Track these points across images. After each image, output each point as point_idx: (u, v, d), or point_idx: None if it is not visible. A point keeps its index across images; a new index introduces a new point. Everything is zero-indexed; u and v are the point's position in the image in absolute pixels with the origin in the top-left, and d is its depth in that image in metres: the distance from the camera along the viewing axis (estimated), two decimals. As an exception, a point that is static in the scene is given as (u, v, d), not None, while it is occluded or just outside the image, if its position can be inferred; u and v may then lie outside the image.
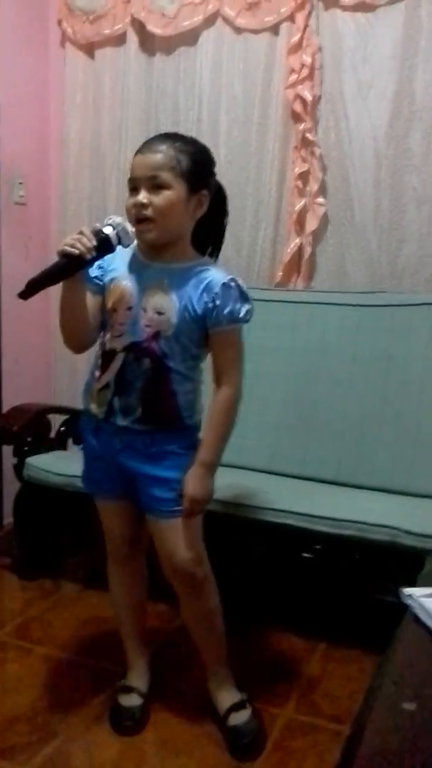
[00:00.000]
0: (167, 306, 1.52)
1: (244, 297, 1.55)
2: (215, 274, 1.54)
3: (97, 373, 1.59)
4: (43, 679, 1.88)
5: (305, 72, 2.52)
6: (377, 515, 1.88)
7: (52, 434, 2.62)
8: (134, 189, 1.51)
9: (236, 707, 1.67)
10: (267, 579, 2.17)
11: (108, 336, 1.57)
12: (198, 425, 1.61)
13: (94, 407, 1.60)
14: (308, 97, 2.52)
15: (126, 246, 1.51)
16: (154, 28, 2.74)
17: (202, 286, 1.52)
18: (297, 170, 2.58)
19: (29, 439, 2.45)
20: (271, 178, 2.63)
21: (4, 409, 2.69)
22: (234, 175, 2.69)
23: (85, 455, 1.71)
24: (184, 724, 1.71)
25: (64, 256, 1.45)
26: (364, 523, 1.87)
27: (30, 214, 3.01)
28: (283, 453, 2.36)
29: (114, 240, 1.48)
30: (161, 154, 1.49)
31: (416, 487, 2.18)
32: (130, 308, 1.53)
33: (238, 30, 2.64)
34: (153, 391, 1.54)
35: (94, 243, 1.44)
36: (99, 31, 2.86)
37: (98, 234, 1.46)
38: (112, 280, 1.57)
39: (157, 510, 1.60)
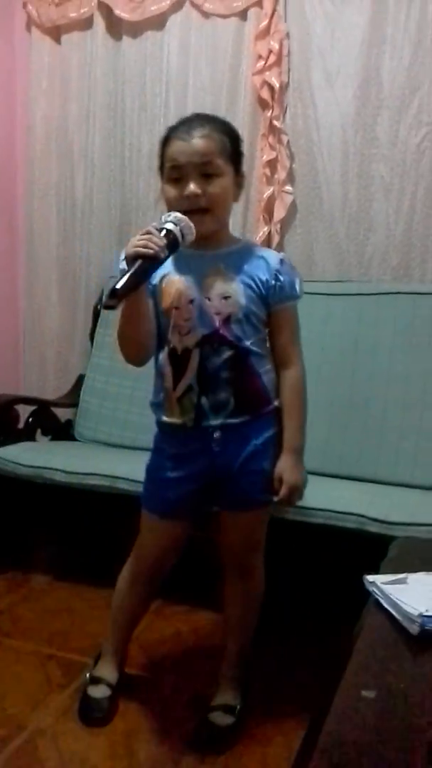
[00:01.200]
0: (232, 289, 1.48)
1: (296, 273, 1.56)
2: (267, 252, 1.55)
3: (170, 382, 1.51)
4: (11, 672, 1.87)
5: (273, 58, 2.51)
6: (344, 503, 1.89)
7: (21, 425, 2.60)
8: (179, 179, 1.43)
9: (225, 708, 1.66)
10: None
11: (175, 337, 1.50)
12: (280, 405, 1.56)
13: (176, 418, 1.53)
14: (275, 83, 2.51)
15: (188, 242, 1.41)
16: (122, 12, 2.71)
17: (260, 265, 1.51)
18: (265, 158, 2.57)
19: (-4, 430, 2.43)
20: (240, 166, 2.62)
21: (-29, 400, 2.65)
22: (202, 163, 2.67)
23: (156, 476, 1.61)
24: (152, 714, 1.72)
25: (139, 257, 1.32)
26: (331, 511, 1.88)
27: (-4, 202, 2.97)
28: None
29: (179, 237, 1.38)
30: (208, 139, 1.42)
31: (383, 475, 2.21)
32: (191, 301, 1.48)
33: (206, 14, 2.62)
34: (240, 378, 1.50)
35: (165, 241, 1.34)
36: (65, 14, 2.81)
37: (164, 232, 1.36)
38: (162, 279, 1.50)
39: (246, 503, 1.57)
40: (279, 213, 2.57)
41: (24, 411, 2.65)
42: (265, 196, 2.59)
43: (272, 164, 2.58)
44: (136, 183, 2.82)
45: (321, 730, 0.79)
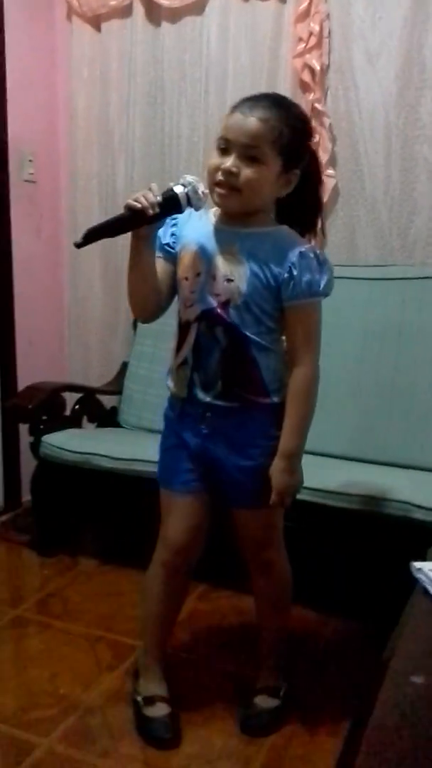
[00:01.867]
0: (237, 273, 1.42)
1: (322, 267, 1.43)
2: (290, 241, 1.44)
3: (175, 350, 1.52)
4: (62, 654, 1.92)
5: (313, 41, 2.47)
6: (389, 490, 1.89)
7: (67, 412, 2.65)
8: (224, 150, 1.39)
9: (269, 691, 1.67)
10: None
11: (182, 307, 1.50)
12: (284, 402, 1.48)
13: (174, 387, 1.53)
14: (316, 66, 2.48)
15: (198, 209, 1.41)
16: (160, -2, 2.70)
17: (277, 255, 1.42)
18: (307, 142, 2.55)
19: (44, 417, 2.47)
20: (281, 151, 2.60)
21: (19, 389, 2.71)
22: (243, 149, 2.67)
23: (164, 445, 1.61)
24: (199, 696, 1.75)
25: (127, 209, 1.36)
26: (376, 498, 1.87)
27: (40, 192, 3.00)
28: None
29: (183, 200, 1.37)
30: (264, 123, 1.36)
31: (427, 462, 2.18)
32: (198, 274, 1.45)
33: (245, -2, 2.60)
34: (231, 362, 1.45)
35: (159, 200, 1.35)
36: (105, 2, 2.81)
37: (167, 192, 1.37)
38: (183, 247, 1.48)
39: (242, 501, 1.54)
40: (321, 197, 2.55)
41: (70, 398, 2.69)
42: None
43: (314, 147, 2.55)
44: (176, 170, 2.81)
45: (369, 716, 0.80)
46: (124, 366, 2.87)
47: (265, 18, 2.57)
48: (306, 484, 1.95)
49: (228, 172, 1.37)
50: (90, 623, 2.07)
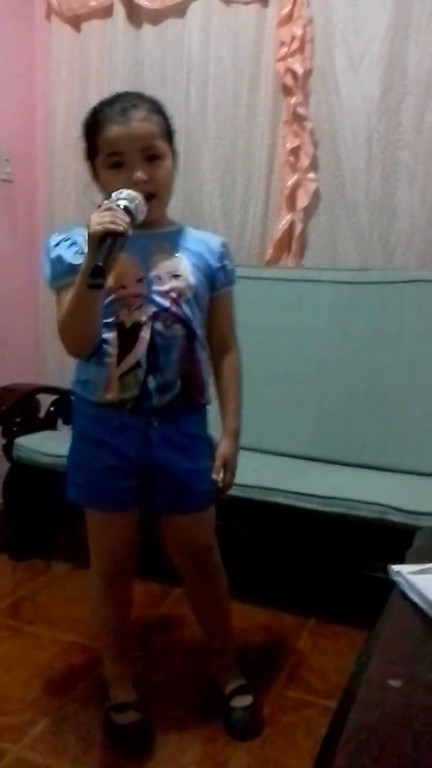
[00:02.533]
0: (181, 267, 1.43)
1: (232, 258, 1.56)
2: (207, 235, 1.53)
3: (113, 357, 1.39)
4: (34, 659, 1.88)
5: (296, 45, 2.47)
6: (366, 492, 1.88)
7: (42, 414, 2.61)
8: (118, 164, 1.36)
9: (240, 691, 1.67)
10: (256, 557, 2.18)
11: (123, 312, 1.39)
12: (206, 404, 1.53)
13: (114, 396, 1.40)
14: (299, 70, 2.48)
15: (138, 222, 1.31)
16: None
17: (203, 248, 1.48)
18: (289, 145, 2.54)
19: (18, 419, 2.44)
20: (261, 154, 2.60)
21: (-7, 390, 2.67)
22: (223, 151, 2.67)
23: (87, 465, 1.50)
24: (173, 700, 1.72)
25: (109, 234, 1.22)
26: (354, 501, 1.87)
27: (16, 192, 2.97)
28: (272, 431, 2.35)
29: (135, 214, 1.30)
30: (148, 122, 1.36)
31: (406, 465, 2.19)
32: (140, 279, 1.40)
33: (227, 1, 2.59)
34: (187, 360, 1.44)
35: (129, 218, 1.27)
36: (85, 3, 2.80)
37: (125, 210, 1.28)
38: None
39: (191, 504, 1.51)
40: (302, 201, 2.55)
41: (45, 400, 2.65)
42: (288, 184, 2.56)
43: (295, 152, 2.55)
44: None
45: (345, 719, 0.78)
46: (101, 368, 2.83)
47: (247, 21, 2.58)
48: (283, 487, 1.96)
49: (143, 182, 1.35)
50: (62, 628, 2.04)
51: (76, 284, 1.30)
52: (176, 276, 1.42)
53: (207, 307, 1.51)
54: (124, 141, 1.35)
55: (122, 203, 1.29)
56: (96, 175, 1.45)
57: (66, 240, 1.41)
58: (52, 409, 2.66)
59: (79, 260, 1.33)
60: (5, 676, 1.81)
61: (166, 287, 1.41)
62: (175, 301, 1.42)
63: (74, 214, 2.97)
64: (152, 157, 1.37)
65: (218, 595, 1.65)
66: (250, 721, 1.63)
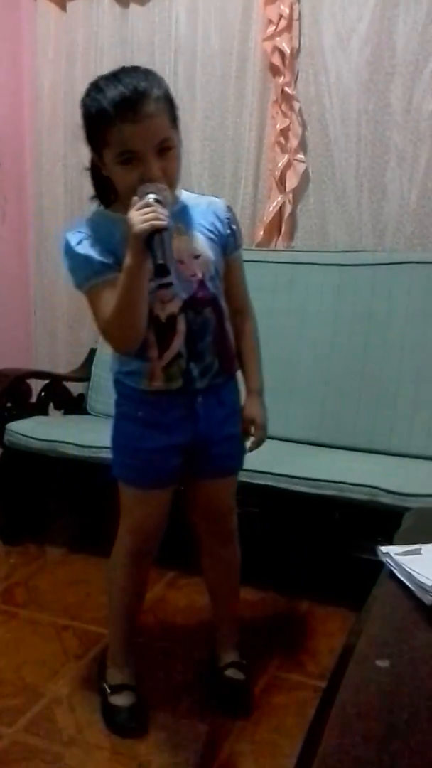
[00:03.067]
0: (198, 246, 1.43)
1: None
2: (211, 200, 1.51)
3: (153, 351, 1.42)
4: (28, 642, 1.90)
5: (283, 23, 2.45)
6: (357, 475, 1.89)
7: (33, 399, 2.61)
8: (129, 161, 1.31)
9: (236, 665, 1.69)
10: (248, 539, 2.19)
11: (157, 305, 1.40)
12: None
13: (160, 385, 1.45)
14: (286, 49, 2.46)
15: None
16: (128, -22, 2.65)
17: (210, 213, 1.47)
18: (278, 126, 2.53)
19: (9, 404, 2.44)
20: (250, 134, 2.58)
21: (-16, 375, 2.66)
22: (212, 132, 2.65)
23: (137, 446, 1.51)
24: (169, 683, 1.74)
25: (156, 231, 1.24)
26: (344, 483, 1.87)
27: (4, 174, 2.95)
28: (264, 414, 2.36)
29: (166, 207, 1.30)
30: (160, 117, 1.30)
31: (396, 447, 2.20)
32: None
33: (214, -21, 2.56)
34: (220, 339, 1.48)
35: (166, 211, 1.27)
36: (70, -18, 2.76)
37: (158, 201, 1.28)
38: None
39: (227, 468, 1.59)
40: (291, 182, 2.54)
41: (36, 385, 2.65)
42: (279, 165, 2.54)
43: (285, 132, 2.53)
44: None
45: (334, 699, 0.79)
46: (92, 352, 2.83)
47: (234, 0, 2.54)
48: (274, 469, 1.97)
49: (158, 178, 1.32)
50: (57, 612, 2.05)
51: (122, 283, 1.30)
52: (197, 257, 1.43)
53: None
54: (139, 140, 1.29)
55: (152, 197, 1.27)
56: (98, 165, 1.40)
57: (87, 238, 1.38)
58: (43, 394, 2.66)
59: (110, 258, 1.35)
60: (0, 659, 1.81)
61: (191, 271, 1.42)
62: (201, 283, 1.43)
63: (63, 196, 2.96)
64: (164, 150, 1.32)
65: (232, 559, 1.69)
66: (242, 694, 1.65)
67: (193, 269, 1.42)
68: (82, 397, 2.80)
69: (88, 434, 2.27)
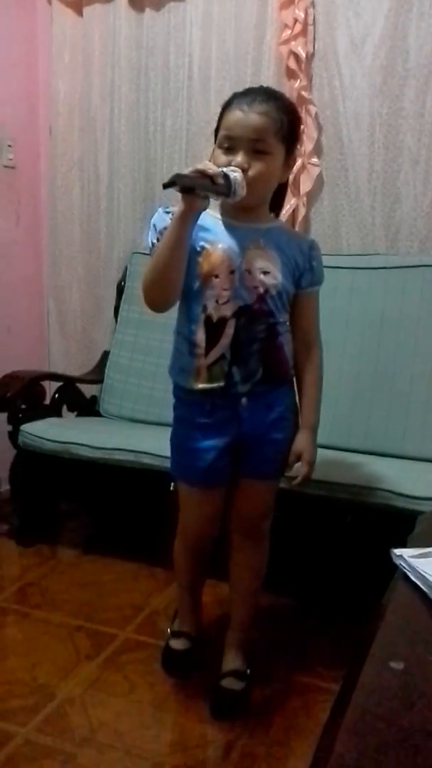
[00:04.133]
0: (271, 265, 1.50)
1: (321, 259, 1.61)
2: (298, 234, 1.62)
3: (201, 349, 1.50)
4: (41, 643, 1.91)
5: (298, 27, 2.46)
6: (369, 478, 1.89)
7: (47, 401, 2.62)
8: (230, 148, 1.43)
9: (236, 674, 1.69)
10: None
11: (211, 304, 1.48)
12: (294, 375, 1.62)
13: (204, 384, 1.52)
14: (302, 53, 2.46)
15: (235, 199, 1.39)
16: (143, -18, 2.67)
17: (295, 246, 1.54)
18: (293, 129, 2.53)
19: (23, 406, 2.45)
20: (265, 139, 2.58)
21: (-2, 377, 2.68)
22: (226, 136, 2.65)
23: (194, 445, 1.57)
24: (180, 684, 1.75)
25: (199, 173, 1.33)
26: (357, 486, 1.87)
27: (19, 178, 2.97)
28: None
29: (233, 185, 1.37)
30: (267, 117, 1.41)
31: (408, 450, 2.20)
32: (232, 271, 1.47)
33: (229, -16, 2.58)
34: (269, 351, 1.53)
35: (223, 173, 1.36)
36: (87, -13, 2.78)
37: (223, 174, 1.37)
38: (203, 245, 1.47)
39: (265, 471, 1.61)
40: (306, 186, 2.54)
41: (50, 387, 2.67)
42: (294, 168, 2.54)
43: (300, 135, 2.53)
44: (161, 157, 2.79)
45: (348, 701, 0.79)
46: (105, 355, 2.84)
47: (249, 4, 2.56)
48: (286, 473, 1.97)
49: (240, 169, 1.40)
50: (69, 613, 2.06)
51: (168, 229, 1.41)
52: (266, 273, 1.49)
53: (291, 303, 1.57)
54: (239, 127, 1.42)
55: (223, 170, 1.38)
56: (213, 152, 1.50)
57: (168, 211, 1.48)
58: (56, 396, 2.67)
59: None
60: (13, 660, 1.83)
61: (254, 282, 1.48)
62: (261, 297, 1.49)
63: (78, 200, 2.98)
64: (259, 151, 1.42)
65: (257, 563, 1.71)
66: (233, 704, 1.65)
67: (259, 282, 1.48)
68: (94, 399, 2.81)
69: (101, 436, 2.28)
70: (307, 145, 2.52)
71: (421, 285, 2.29)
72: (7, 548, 2.49)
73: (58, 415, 2.65)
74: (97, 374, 2.82)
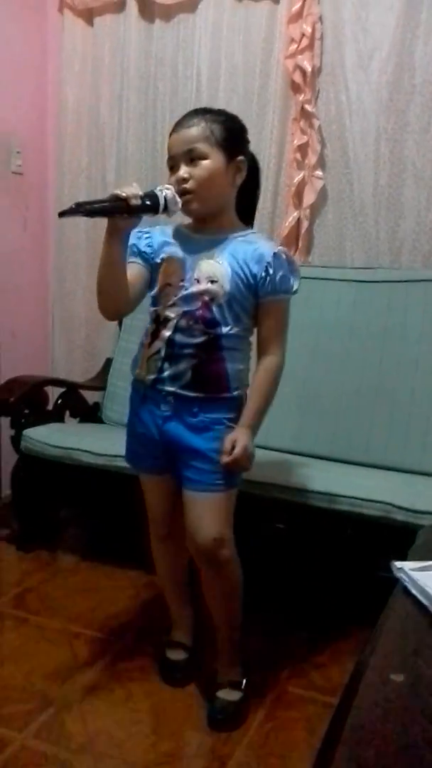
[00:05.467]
0: (219, 273, 1.53)
1: (293, 268, 1.58)
2: (264, 243, 1.59)
3: (147, 341, 1.60)
4: (39, 649, 1.91)
5: (305, 42, 2.48)
6: (370, 491, 1.90)
7: (50, 406, 2.63)
8: (173, 167, 1.54)
9: (230, 684, 1.70)
10: (259, 553, 2.19)
11: (161, 304, 1.58)
12: (243, 398, 1.61)
13: (142, 373, 1.61)
14: (308, 67, 2.49)
15: (171, 214, 1.48)
16: (154, -5, 2.70)
17: (253, 255, 1.55)
18: (296, 142, 2.55)
19: (26, 411, 2.46)
20: (270, 150, 2.60)
21: (1, 382, 2.69)
22: (233, 148, 2.67)
23: (130, 430, 1.71)
24: (178, 691, 1.75)
25: (113, 197, 1.41)
26: (358, 499, 1.88)
27: (27, 184, 2.99)
28: (277, 429, 2.35)
29: (161, 200, 1.44)
30: (194, 128, 1.52)
31: (409, 464, 2.20)
32: (182, 280, 1.55)
33: (239, -2, 2.60)
34: (203, 358, 1.54)
35: (141, 193, 1.42)
36: (98, -3, 2.81)
37: (149, 192, 1.45)
38: (163, 257, 1.58)
39: (195, 483, 1.57)
40: (309, 198, 2.56)
41: (53, 393, 2.68)
42: (295, 181, 2.57)
43: (303, 149, 2.56)
44: (167, 168, 2.80)
45: (348, 713, 0.80)
46: (108, 362, 2.85)
47: (258, 18, 2.58)
48: (288, 484, 1.98)
49: (181, 180, 1.51)
50: (68, 619, 2.06)
51: (102, 248, 1.49)
52: (213, 281, 1.54)
53: (253, 313, 1.59)
54: (174, 146, 1.53)
55: (156, 189, 1.45)
56: None
57: (146, 231, 1.61)
58: (59, 401, 2.68)
59: (142, 247, 1.59)
60: (11, 665, 1.83)
61: (201, 291, 1.54)
62: (206, 305, 1.53)
63: (85, 209, 2.99)
64: (194, 159, 1.51)
65: (225, 589, 1.66)
66: (229, 714, 1.65)
67: (204, 290, 1.53)
68: (97, 406, 2.82)
69: (103, 442, 2.29)
70: (310, 158, 2.54)
71: (424, 299, 2.31)
72: (7, 553, 2.49)
73: (61, 420, 2.66)
74: (100, 381, 2.83)
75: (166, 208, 1.45)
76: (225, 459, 1.53)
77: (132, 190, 1.41)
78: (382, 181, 2.48)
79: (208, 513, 1.58)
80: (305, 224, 2.59)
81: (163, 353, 1.56)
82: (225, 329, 1.54)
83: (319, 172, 2.55)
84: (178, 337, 1.54)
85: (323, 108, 2.54)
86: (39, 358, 3.10)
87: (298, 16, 2.49)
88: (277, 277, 1.54)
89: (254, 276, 1.54)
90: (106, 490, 2.32)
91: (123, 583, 2.27)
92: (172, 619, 1.88)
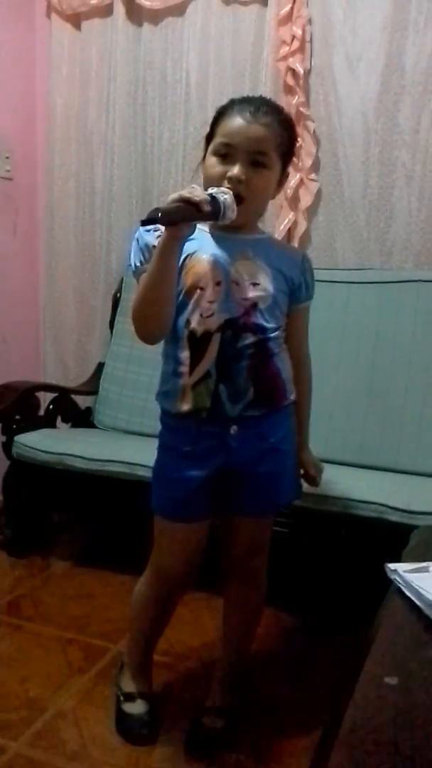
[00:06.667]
0: (261, 276, 1.41)
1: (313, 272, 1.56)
2: (290, 247, 1.57)
3: (185, 367, 1.40)
4: (33, 656, 1.89)
5: (296, 44, 2.48)
6: (363, 492, 1.89)
7: (41, 412, 2.62)
8: (227, 156, 1.35)
9: (218, 711, 1.60)
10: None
11: (195, 318, 1.38)
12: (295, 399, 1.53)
13: (188, 407, 1.41)
14: (299, 69, 2.49)
15: (224, 221, 1.32)
16: (142, -2, 2.69)
17: (286, 260, 1.47)
18: (292, 145, 2.55)
19: (18, 417, 2.45)
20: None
21: (-7, 387, 2.68)
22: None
23: (167, 476, 1.48)
24: (173, 700, 1.74)
25: (183, 201, 1.23)
26: (351, 500, 1.88)
27: (16, 189, 2.98)
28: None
29: (223, 208, 1.29)
30: (270, 129, 1.35)
31: (403, 464, 2.20)
32: (219, 283, 1.37)
33: (227, 1, 2.60)
34: (260, 368, 1.41)
35: (210, 199, 1.26)
36: (85, 1, 2.81)
37: (211, 197, 1.29)
38: (189, 256, 1.39)
39: (256, 507, 1.49)
40: (305, 201, 2.55)
41: (45, 398, 2.66)
42: (292, 183, 2.56)
43: (297, 151, 2.55)
44: (157, 170, 2.81)
45: (343, 716, 0.79)
46: (100, 366, 2.85)
47: (247, 21, 2.59)
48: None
49: (237, 180, 1.34)
50: (61, 625, 2.05)
51: (153, 259, 1.32)
52: (255, 284, 1.40)
53: (286, 314, 1.49)
54: (241, 136, 1.34)
55: (211, 191, 1.31)
56: (204, 158, 1.43)
57: (157, 230, 1.38)
58: (51, 407, 2.67)
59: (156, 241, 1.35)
60: (4, 673, 1.81)
61: (243, 294, 1.39)
62: (249, 310, 1.39)
63: (74, 212, 2.99)
64: (257, 164, 1.35)
65: (255, 601, 1.62)
66: (208, 743, 1.56)
67: (247, 294, 1.39)
68: (89, 411, 2.81)
69: (95, 447, 2.28)
70: (305, 160, 2.54)
71: (416, 300, 2.31)
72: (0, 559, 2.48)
73: (53, 426, 2.65)
74: (92, 386, 2.82)
75: (224, 214, 1.31)
76: (314, 484, 1.59)
77: (202, 193, 1.26)
78: (373, 182, 2.49)
79: (256, 530, 1.54)
80: (303, 226, 2.58)
81: (214, 374, 1.39)
82: (272, 333, 1.42)
83: (313, 176, 2.55)
84: (229, 353, 1.38)
85: (313, 110, 2.54)
86: (30, 364, 3.09)
87: (287, 18, 2.49)
88: (311, 283, 1.52)
89: (290, 280, 1.46)
90: (98, 495, 2.31)
91: (116, 589, 2.26)
92: (129, 667, 1.66)
